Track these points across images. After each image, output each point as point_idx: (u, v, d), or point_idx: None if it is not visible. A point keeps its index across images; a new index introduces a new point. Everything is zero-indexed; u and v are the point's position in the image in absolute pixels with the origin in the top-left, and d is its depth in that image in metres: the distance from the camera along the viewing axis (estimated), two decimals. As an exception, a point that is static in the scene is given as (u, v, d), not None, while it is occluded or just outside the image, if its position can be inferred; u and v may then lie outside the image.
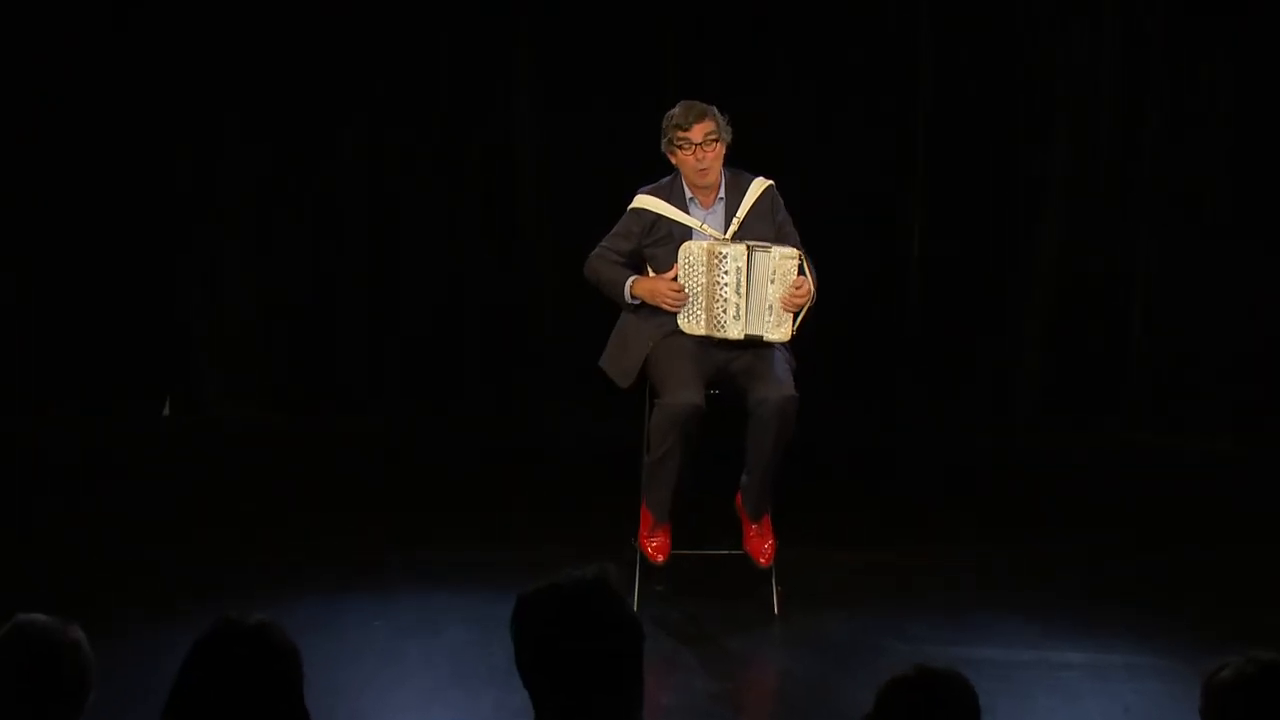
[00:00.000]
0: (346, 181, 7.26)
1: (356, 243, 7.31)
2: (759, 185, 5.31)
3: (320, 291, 7.33)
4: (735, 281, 5.10)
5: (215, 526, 6.01)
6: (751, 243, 5.16)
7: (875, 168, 7.16)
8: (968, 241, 7.18)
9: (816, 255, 5.36)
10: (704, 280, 5.14)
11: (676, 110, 5.24)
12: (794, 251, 5.19)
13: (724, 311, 5.12)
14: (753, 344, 5.18)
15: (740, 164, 5.39)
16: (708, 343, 5.21)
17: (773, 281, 5.13)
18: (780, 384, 5.10)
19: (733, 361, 5.21)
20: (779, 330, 5.18)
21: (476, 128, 7.20)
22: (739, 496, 5.33)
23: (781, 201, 5.36)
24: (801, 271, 5.18)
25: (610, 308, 5.42)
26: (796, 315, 5.19)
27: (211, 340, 7.35)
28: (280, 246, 7.33)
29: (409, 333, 7.34)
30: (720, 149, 5.22)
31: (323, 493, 6.44)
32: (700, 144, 5.16)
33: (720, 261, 5.12)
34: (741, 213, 5.26)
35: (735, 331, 5.14)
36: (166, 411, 7.34)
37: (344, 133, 7.24)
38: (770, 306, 5.14)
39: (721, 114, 5.24)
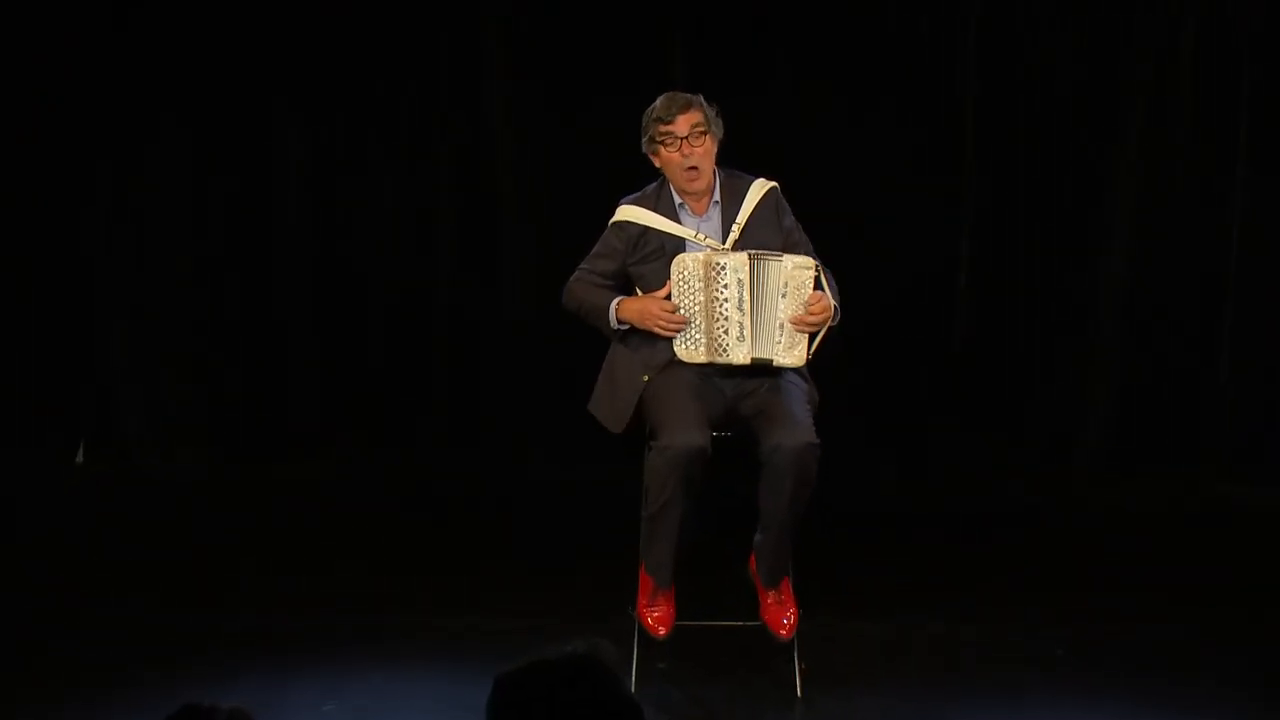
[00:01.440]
0: (294, 188, 7.18)
1: (306, 259, 7.22)
2: (760, 187, 5.20)
3: (264, 316, 7.24)
4: (738, 296, 4.99)
5: (138, 591, 5.89)
6: (757, 251, 5.05)
7: (909, 174, 7.09)
8: (1019, 259, 7.08)
9: (839, 275, 5.26)
10: (701, 298, 5.03)
11: (657, 102, 5.14)
12: (810, 261, 5.07)
13: (725, 332, 5.01)
14: (762, 370, 5.06)
15: (749, 167, 5.29)
16: (713, 376, 5.10)
17: (784, 295, 5.02)
18: (798, 427, 4.96)
19: (743, 400, 5.09)
20: (791, 353, 5.04)
21: (449, 129, 7.14)
22: (753, 558, 5.21)
23: (787, 205, 5.25)
24: (819, 286, 5.06)
25: (601, 339, 5.27)
26: (813, 338, 5.07)
27: (135, 372, 7.26)
28: (218, 263, 7.24)
29: (368, 363, 7.25)
30: (710, 144, 5.11)
31: (266, 551, 6.35)
32: (686, 137, 5.07)
33: (719, 274, 4.99)
34: (742, 218, 5.15)
35: (740, 355, 5.01)
36: (81, 458, 7.29)
37: (290, 132, 7.16)
38: (781, 325, 5.02)
39: (711, 105, 5.14)
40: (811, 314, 5.04)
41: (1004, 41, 7.08)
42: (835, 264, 5.30)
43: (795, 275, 5.04)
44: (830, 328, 5.08)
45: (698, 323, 5.06)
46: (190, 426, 7.33)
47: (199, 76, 7.16)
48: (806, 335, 5.05)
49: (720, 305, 5.00)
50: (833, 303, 5.08)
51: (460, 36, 7.15)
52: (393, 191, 7.25)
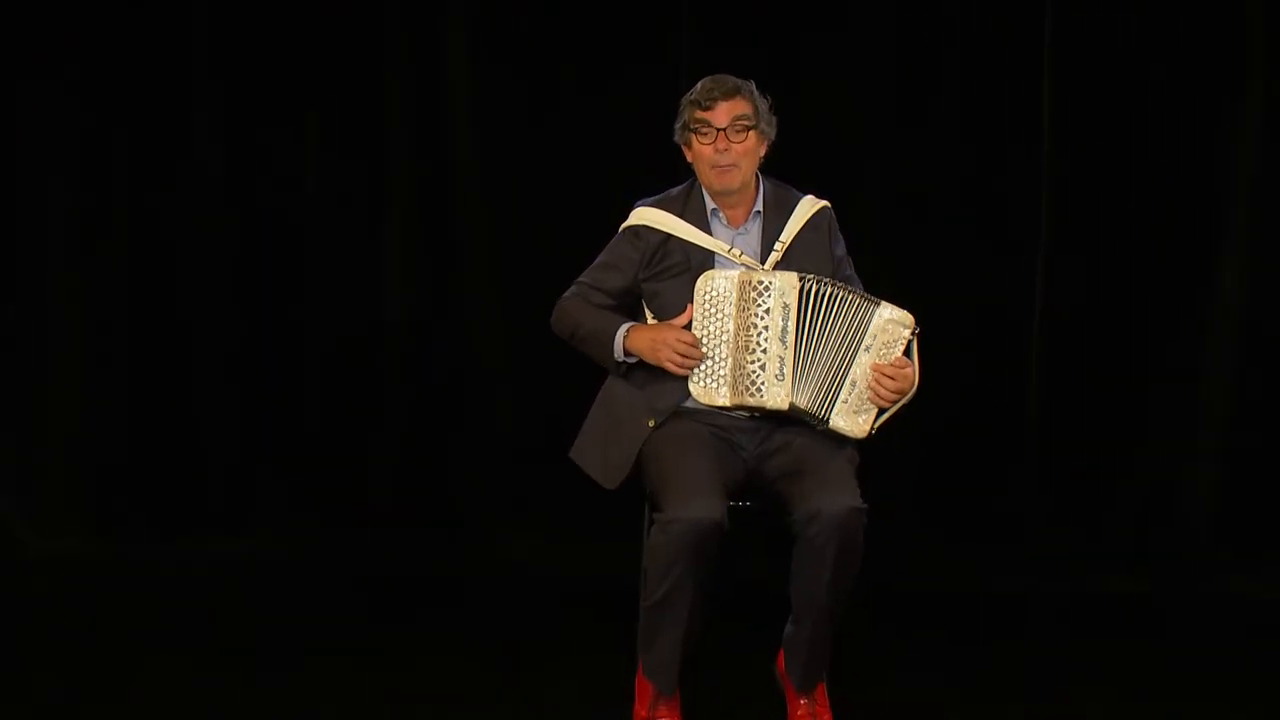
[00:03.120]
0: (204, 194, 7.16)
1: (221, 284, 7.18)
2: (810, 204, 5.15)
3: (170, 355, 7.22)
4: (780, 325, 4.92)
5: (12, 710, 5.67)
6: (810, 275, 4.96)
7: (977, 186, 7.01)
8: (1110, 290, 6.95)
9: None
10: (732, 325, 4.97)
11: (698, 85, 5.09)
12: (909, 319, 5.01)
13: (761, 367, 4.93)
14: (801, 422, 4.95)
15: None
16: (731, 431, 5.01)
17: (868, 349, 4.98)
18: (840, 489, 4.86)
19: (768, 460, 4.99)
20: (855, 419, 4.97)
21: (404, 125, 7.16)
22: (782, 656, 5.12)
23: (840, 232, 5.19)
24: (910, 352, 5.02)
25: (593, 375, 5.17)
26: (882, 411, 5.01)
27: (7, 426, 7.30)
28: (110, 292, 7.24)
29: (300, 414, 7.23)
30: (754, 142, 5.05)
31: (176, 650, 6.23)
32: (724, 130, 5.01)
33: (758, 295, 4.92)
34: (787, 236, 5.08)
35: (776, 398, 4.91)
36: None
37: (198, 124, 7.16)
38: (853, 383, 4.97)
39: (764, 96, 5.09)
40: (896, 382, 4.98)
41: (1087, 23, 7.04)
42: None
43: (889, 331, 5.00)
44: (904, 405, 5.05)
45: (722, 355, 4.98)
46: (80, 496, 7.35)
47: (80, 41, 7.26)
48: (876, 405, 5.00)
49: (757, 334, 4.93)
50: (917, 381, 5.05)
51: (415, 19, 7.24)
52: (332, 200, 7.24)
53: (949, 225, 7.08)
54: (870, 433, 5.00)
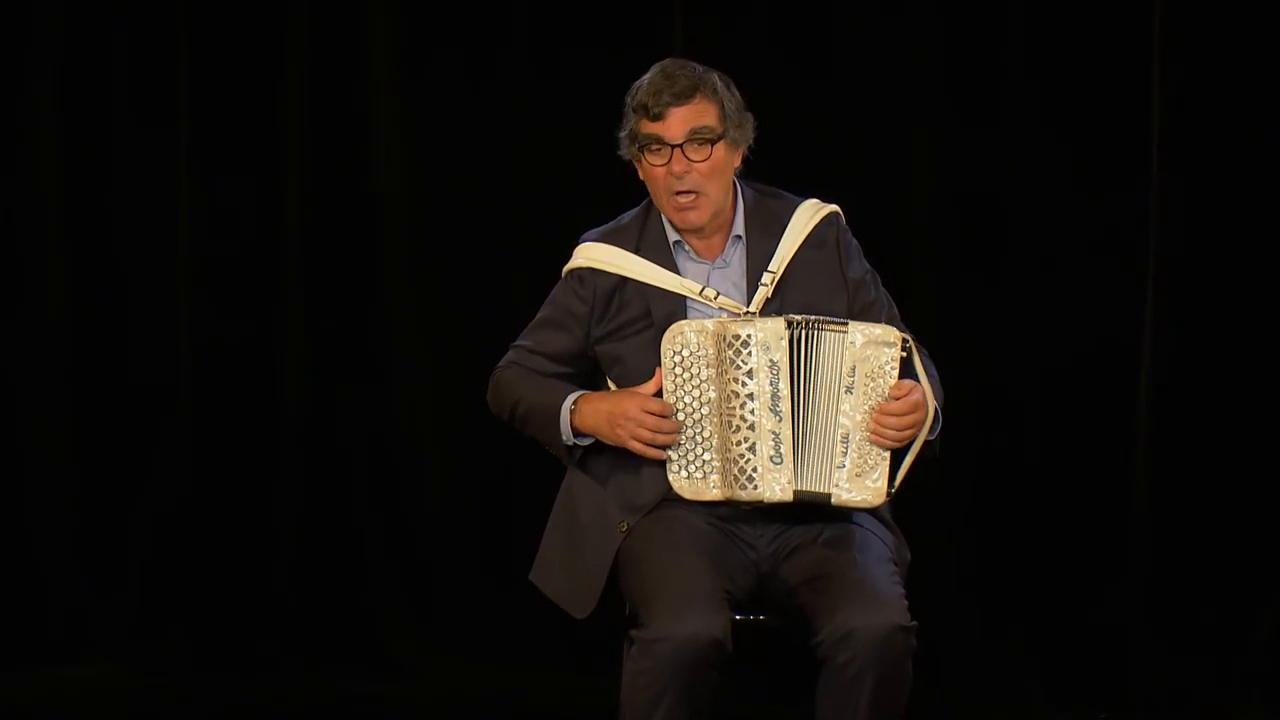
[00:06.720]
0: (29, 210, 7.09)
1: (51, 331, 7.11)
2: (810, 213, 4.96)
3: None
4: (769, 390, 4.75)
5: None
6: (804, 317, 4.78)
7: (1056, 200, 6.83)
8: (1249, 323, 6.74)
9: (936, 362, 5.05)
10: (712, 394, 4.81)
11: (645, 80, 4.90)
12: (892, 333, 4.77)
13: (751, 450, 4.76)
14: (816, 512, 4.77)
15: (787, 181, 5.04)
16: (736, 521, 4.85)
17: (849, 390, 4.76)
18: (880, 601, 4.66)
19: (786, 560, 4.80)
20: (862, 484, 4.75)
21: (304, 112, 7.05)
22: None
23: (856, 244, 4.97)
24: (910, 371, 4.75)
25: (550, 461, 4.97)
26: (901, 456, 4.76)
27: None
28: None
29: (156, 508, 7.11)
30: (724, 155, 4.87)
31: None
32: (680, 146, 4.82)
33: (738, 352, 4.74)
34: (779, 263, 4.88)
35: (775, 488, 4.74)
36: None
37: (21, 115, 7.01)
38: (845, 438, 4.77)
39: (733, 88, 4.91)
40: (896, 418, 4.75)
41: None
42: (928, 347, 5.08)
43: (868, 357, 4.80)
44: (928, 442, 4.81)
45: (706, 435, 4.81)
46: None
47: None
48: (887, 455, 4.79)
49: (740, 404, 4.76)
50: (932, 404, 4.81)
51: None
52: (203, 213, 7.11)
53: (1023, 243, 6.88)
54: (891, 494, 4.79)
